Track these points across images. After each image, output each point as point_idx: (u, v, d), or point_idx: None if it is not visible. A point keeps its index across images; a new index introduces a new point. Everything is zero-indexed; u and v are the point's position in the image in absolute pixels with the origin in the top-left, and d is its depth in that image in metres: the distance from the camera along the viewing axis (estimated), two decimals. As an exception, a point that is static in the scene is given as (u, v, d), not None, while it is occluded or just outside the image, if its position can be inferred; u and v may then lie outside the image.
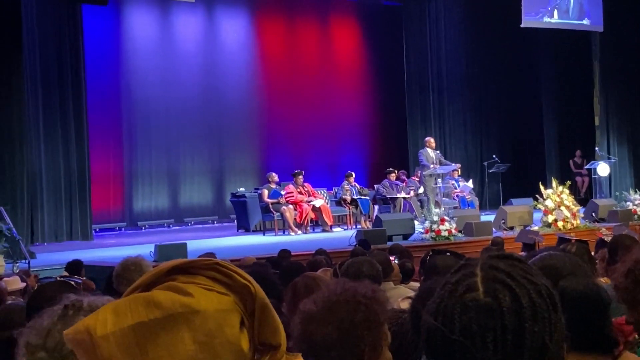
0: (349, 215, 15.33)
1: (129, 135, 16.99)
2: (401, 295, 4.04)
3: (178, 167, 17.49)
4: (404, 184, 16.17)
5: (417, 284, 5.36)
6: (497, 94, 20.47)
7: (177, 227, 16.98)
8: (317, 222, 14.95)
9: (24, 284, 6.88)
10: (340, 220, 15.52)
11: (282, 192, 14.69)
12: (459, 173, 16.92)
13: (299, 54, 19.30)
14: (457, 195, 16.33)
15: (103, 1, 10.29)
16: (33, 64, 14.20)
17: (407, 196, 15.51)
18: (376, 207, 15.74)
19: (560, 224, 12.75)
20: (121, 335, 1.07)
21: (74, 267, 7.90)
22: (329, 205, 15.27)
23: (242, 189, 16.27)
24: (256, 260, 7.56)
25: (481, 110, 20.45)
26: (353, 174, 15.90)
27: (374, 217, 14.03)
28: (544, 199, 13.09)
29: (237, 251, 10.97)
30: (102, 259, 10.72)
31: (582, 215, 13.54)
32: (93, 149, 15.26)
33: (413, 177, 16.72)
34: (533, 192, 13.94)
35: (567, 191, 13.27)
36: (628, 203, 14.41)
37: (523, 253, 8.20)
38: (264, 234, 14.66)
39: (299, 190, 14.82)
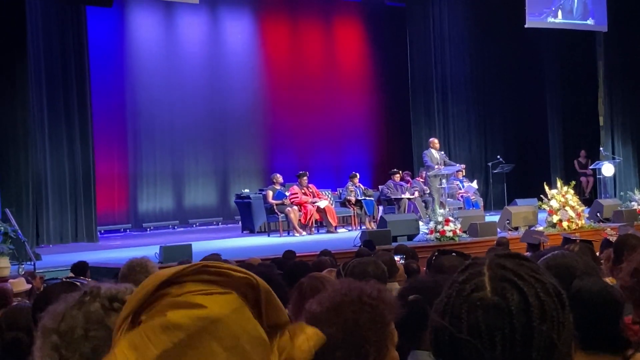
0: (354, 216, 15.33)
1: (133, 136, 17.02)
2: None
3: (183, 169, 17.51)
4: (409, 184, 16.16)
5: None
6: (501, 94, 20.45)
7: (182, 229, 17.00)
8: (322, 223, 14.96)
9: (29, 286, 6.89)
10: (344, 221, 15.51)
11: (287, 193, 14.70)
12: (464, 174, 16.92)
13: (302, 55, 19.31)
14: (461, 196, 16.32)
15: (107, 3, 10.30)
16: (38, 66, 14.23)
17: (411, 197, 15.50)
18: (381, 207, 15.73)
19: (565, 224, 12.74)
20: None
21: (80, 268, 7.91)
22: (333, 206, 15.28)
23: (246, 190, 16.28)
24: (261, 261, 7.56)
25: (485, 111, 20.43)
26: (357, 174, 15.90)
27: (379, 218, 14.03)
28: (549, 199, 13.07)
29: (242, 252, 10.97)
30: (107, 261, 10.73)
31: (587, 215, 13.51)
32: (98, 150, 15.28)
33: (417, 178, 16.72)
34: (538, 193, 13.93)
35: (571, 191, 13.25)
36: (633, 203, 14.38)
37: (528, 253, 8.20)
38: (268, 235, 14.66)
39: (303, 191, 14.82)
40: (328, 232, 14.66)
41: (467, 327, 1.12)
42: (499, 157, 18.35)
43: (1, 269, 9.94)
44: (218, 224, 17.56)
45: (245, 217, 15.62)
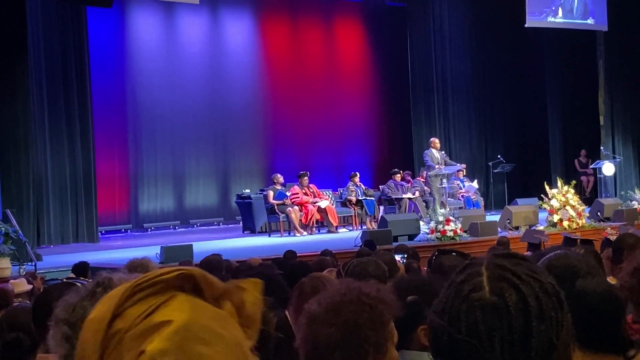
0: (354, 216, 15.33)
1: (134, 137, 17.02)
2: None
3: (183, 169, 17.51)
4: (409, 184, 16.16)
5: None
6: (502, 94, 20.45)
7: (183, 229, 17.00)
8: (323, 223, 14.96)
9: (30, 286, 6.90)
10: (345, 221, 15.52)
11: (288, 194, 14.71)
12: (464, 173, 16.92)
13: (303, 55, 19.31)
14: (462, 196, 16.32)
15: (107, 3, 10.31)
16: (38, 67, 14.23)
17: (412, 197, 15.50)
18: (381, 207, 15.73)
19: (565, 223, 12.74)
20: None
21: (80, 269, 7.91)
22: (334, 206, 15.28)
23: (247, 191, 16.29)
24: (262, 261, 7.57)
25: (486, 111, 20.43)
26: (358, 174, 15.90)
27: (379, 218, 14.03)
28: (549, 199, 13.08)
29: (242, 252, 10.98)
30: (108, 261, 10.74)
31: (588, 214, 13.52)
32: (98, 151, 15.28)
33: (418, 178, 16.72)
34: (538, 192, 13.94)
35: (572, 191, 13.26)
36: (633, 202, 14.38)
37: (529, 253, 8.20)
38: (269, 235, 14.66)
39: (304, 191, 14.83)
40: (329, 232, 14.66)
41: (465, 327, 1.13)
42: (499, 156, 18.35)
43: (2, 269, 9.95)
44: (219, 224, 17.56)
45: (246, 217, 15.63)
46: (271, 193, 14.69)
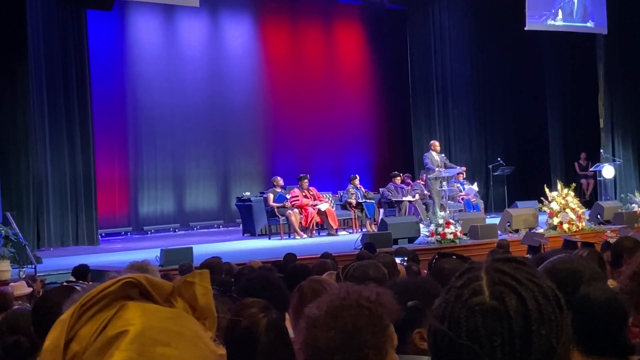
0: (354, 218, 15.34)
1: (134, 140, 17.03)
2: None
3: (183, 172, 17.51)
4: (409, 187, 16.16)
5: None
6: (502, 96, 20.47)
7: (183, 232, 17.01)
8: (323, 226, 14.96)
9: (30, 289, 6.90)
10: (345, 224, 15.53)
11: (288, 196, 14.71)
12: (464, 176, 16.92)
13: (303, 58, 19.32)
14: (462, 198, 16.32)
15: (108, 6, 10.31)
16: (38, 69, 14.23)
17: (412, 199, 15.50)
18: (381, 210, 15.73)
19: (565, 226, 12.74)
20: None
21: (80, 272, 7.91)
22: (334, 208, 15.28)
23: (247, 193, 16.29)
24: (262, 264, 7.56)
25: (486, 113, 20.44)
26: (358, 176, 15.91)
27: (379, 221, 14.03)
28: (549, 202, 13.08)
29: (242, 255, 10.98)
30: (108, 264, 10.74)
31: (588, 217, 13.52)
32: (99, 153, 15.29)
33: (418, 181, 16.72)
34: (538, 195, 13.94)
35: (572, 193, 13.27)
36: (633, 205, 14.39)
37: (529, 256, 8.20)
38: (269, 238, 14.67)
39: (304, 194, 14.83)
40: (329, 234, 14.67)
41: (466, 331, 1.13)
42: (499, 159, 18.35)
43: (2, 272, 9.94)
44: (219, 227, 17.56)
45: (246, 220, 15.63)
46: (271, 196, 14.69)
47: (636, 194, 14.86)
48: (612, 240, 6.41)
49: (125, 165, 16.90)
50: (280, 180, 15.05)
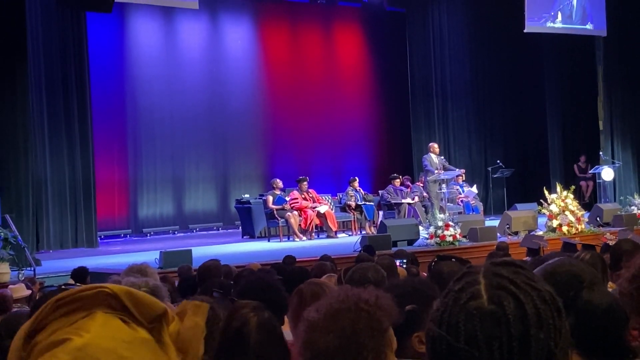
0: (354, 221, 15.33)
1: (133, 142, 17.03)
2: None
3: (183, 174, 17.51)
4: (409, 189, 16.16)
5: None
6: (501, 99, 20.47)
7: (182, 234, 17.01)
8: (322, 228, 14.96)
9: (29, 292, 6.90)
10: (344, 226, 15.53)
11: (287, 199, 14.71)
12: (463, 178, 16.92)
13: (302, 60, 19.33)
14: (461, 201, 16.32)
15: (107, 8, 10.32)
16: (38, 72, 14.24)
17: (411, 202, 15.50)
18: (381, 212, 15.73)
19: (564, 228, 12.74)
20: None
21: (79, 274, 7.91)
22: (333, 211, 15.28)
23: (246, 196, 16.29)
24: (261, 266, 7.56)
25: (485, 116, 20.45)
26: (357, 179, 15.90)
27: (379, 223, 14.03)
28: (549, 204, 13.08)
29: (242, 257, 10.98)
30: (107, 266, 10.73)
31: (587, 219, 13.53)
32: (98, 156, 15.29)
33: (417, 183, 16.72)
34: (537, 197, 13.93)
35: (571, 196, 13.26)
36: (633, 207, 14.38)
37: (528, 258, 8.20)
38: (268, 240, 14.67)
39: (303, 196, 14.83)
40: (328, 237, 14.66)
41: (464, 336, 1.12)
42: (498, 161, 18.35)
43: (1, 274, 9.94)
44: (218, 229, 17.56)
45: (246, 222, 15.63)
46: (270, 198, 14.69)
47: (635, 196, 14.85)
48: (611, 243, 6.42)
49: (124, 167, 16.90)
50: (279, 183, 15.06)
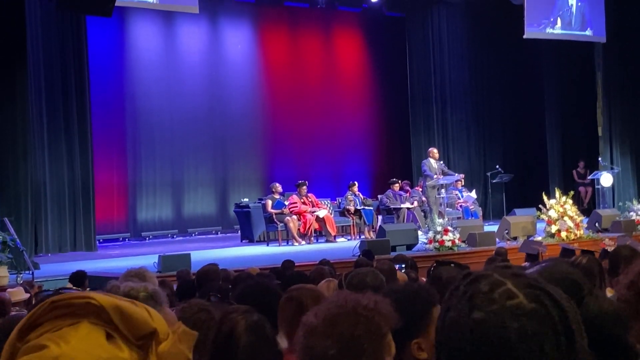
0: (353, 225, 15.34)
1: (133, 145, 17.03)
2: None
3: (182, 178, 17.51)
4: (408, 194, 16.17)
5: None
6: (500, 104, 20.50)
7: (181, 238, 17.00)
8: (321, 233, 14.96)
9: (27, 295, 6.90)
10: (343, 231, 15.52)
11: (286, 203, 14.71)
12: (462, 183, 16.93)
13: (302, 65, 19.35)
14: (460, 206, 16.33)
15: (107, 12, 10.31)
16: (37, 75, 14.24)
17: (410, 206, 15.50)
18: (380, 217, 15.73)
19: (563, 234, 12.74)
20: None
21: (78, 278, 7.91)
22: (332, 215, 15.28)
23: (246, 200, 16.29)
24: (260, 270, 7.56)
25: (484, 121, 20.47)
26: (356, 183, 15.91)
27: (378, 228, 14.03)
28: (547, 210, 13.08)
29: (240, 262, 10.97)
30: (106, 270, 10.73)
31: (586, 225, 13.53)
32: (97, 159, 15.29)
33: (416, 188, 16.73)
34: (536, 203, 13.93)
35: (570, 201, 13.26)
36: (631, 213, 14.39)
37: (527, 263, 8.20)
38: (267, 245, 14.66)
39: (302, 200, 14.83)
40: (327, 241, 14.66)
41: (516, 334, 1.12)
42: (497, 166, 18.36)
43: (-1, 278, 9.94)
44: (217, 233, 17.55)
45: (245, 226, 15.62)
46: (269, 202, 14.69)
47: (634, 202, 14.86)
48: (610, 249, 6.41)
49: (123, 171, 16.90)
50: (278, 187, 15.06)
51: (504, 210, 17.13)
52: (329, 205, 15.85)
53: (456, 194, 16.51)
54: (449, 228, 12.09)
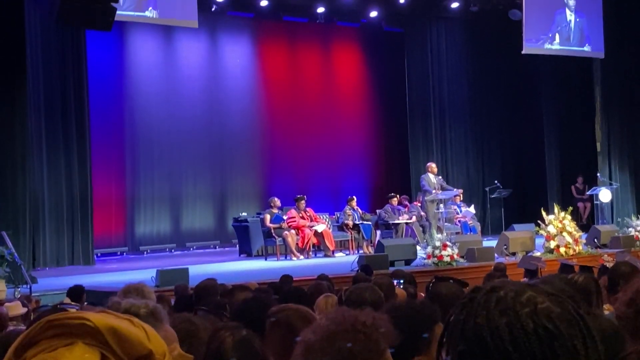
0: (351, 240, 15.32)
1: (131, 159, 17.03)
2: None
3: (180, 192, 17.50)
4: (406, 208, 16.16)
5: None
6: (499, 119, 20.53)
7: (179, 252, 16.96)
8: (319, 247, 14.93)
9: (25, 309, 6.86)
10: (342, 245, 15.50)
11: (284, 217, 14.69)
12: (461, 198, 16.91)
13: (301, 80, 19.39)
14: (459, 221, 16.31)
15: (106, 27, 10.34)
16: (37, 89, 14.26)
17: (409, 221, 15.49)
18: (378, 232, 15.71)
19: (562, 250, 12.74)
20: None
21: (75, 292, 7.89)
22: (331, 230, 15.26)
23: (244, 214, 16.27)
24: (258, 285, 7.54)
25: (483, 136, 20.49)
26: (355, 198, 15.90)
27: (376, 242, 14.01)
28: (546, 225, 13.08)
29: (239, 276, 10.94)
30: (103, 284, 10.68)
31: (585, 241, 13.52)
32: (95, 173, 15.29)
33: (415, 202, 16.71)
34: (535, 218, 13.93)
35: (569, 217, 13.26)
36: (630, 229, 14.38)
37: (525, 279, 8.18)
38: (265, 259, 14.63)
39: (301, 215, 14.82)
40: (325, 256, 14.63)
41: (554, 334, 1.17)
42: (496, 182, 18.36)
43: (-3, 292, 9.90)
44: (215, 248, 17.52)
45: (243, 240, 15.60)
46: (268, 216, 14.67)
47: (633, 217, 14.86)
48: (609, 265, 6.41)
49: (122, 184, 16.89)
50: (277, 201, 15.04)
51: (503, 225, 17.13)
52: (327, 220, 15.83)
53: (455, 209, 16.50)
54: (448, 243, 12.08)
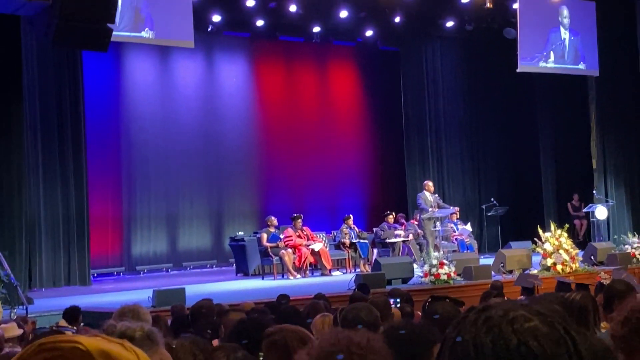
0: (348, 258, 15.31)
1: (127, 179, 17.02)
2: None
3: (177, 211, 17.48)
4: (403, 227, 16.15)
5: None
6: (495, 137, 20.58)
7: (176, 272, 16.92)
8: (316, 266, 14.91)
9: (21, 331, 6.83)
10: (339, 264, 15.48)
11: (281, 236, 14.68)
12: (458, 216, 16.92)
13: (297, 98, 19.44)
14: (456, 239, 16.32)
15: (103, 48, 10.38)
16: (33, 109, 14.27)
17: (405, 239, 15.49)
18: (375, 250, 15.70)
19: (559, 267, 12.73)
20: None
21: (72, 313, 7.86)
22: (327, 248, 15.25)
23: (241, 233, 16.24)
24: (254, 305, 7.52)
25: (479, 154, 20.54)
26: (351, 216, 15.91)
27: (373, 261, 14.00)
28: (543, 243, 13.08)
29: (235, 296, 10.92)
30: (100, 305, 10.66)
31: (581, 258, 13.51)
32: (92, 193, 15.27)
33: (412, 221, 16.71)
34: (531, 236, 13.93)
35: (565, 234, 13.27)
36: (627, 246, 14.39)
37: (522, 297, 8.17)
38: (262, 278, 14.60)
39: (297, 234, 14.81)
40: (322, 275, 14.61)
41: (538, 353, 1.16)
42: (492, 199, 18.38)
43: (-7, 313, 9.85)
44: (212, 267, 17.48)
45: (240, 260, 15.57)
46: (265, 235, 14.66)
47: (629, 235, 14.87)
48: (605, 282, 6.42)
49: (118, 204, 16.87)
50: (274, 220, 15.02)
51: (500, 243, 17.13)
52: (324, 239, 15.83)
53: (451, 227, 16.50)
54: (445, 261, 12.07)
